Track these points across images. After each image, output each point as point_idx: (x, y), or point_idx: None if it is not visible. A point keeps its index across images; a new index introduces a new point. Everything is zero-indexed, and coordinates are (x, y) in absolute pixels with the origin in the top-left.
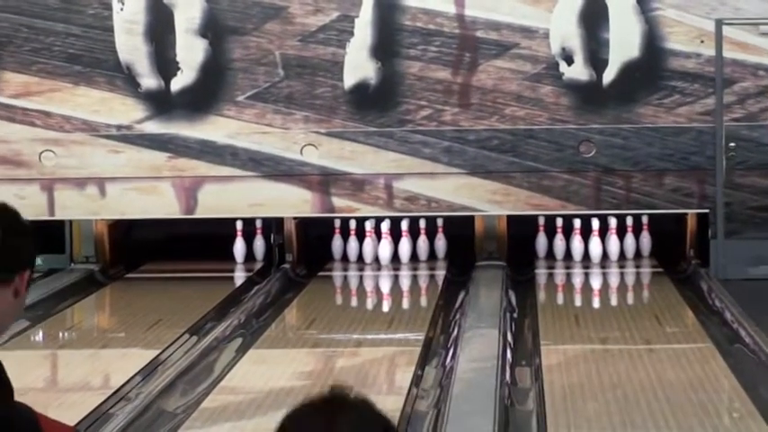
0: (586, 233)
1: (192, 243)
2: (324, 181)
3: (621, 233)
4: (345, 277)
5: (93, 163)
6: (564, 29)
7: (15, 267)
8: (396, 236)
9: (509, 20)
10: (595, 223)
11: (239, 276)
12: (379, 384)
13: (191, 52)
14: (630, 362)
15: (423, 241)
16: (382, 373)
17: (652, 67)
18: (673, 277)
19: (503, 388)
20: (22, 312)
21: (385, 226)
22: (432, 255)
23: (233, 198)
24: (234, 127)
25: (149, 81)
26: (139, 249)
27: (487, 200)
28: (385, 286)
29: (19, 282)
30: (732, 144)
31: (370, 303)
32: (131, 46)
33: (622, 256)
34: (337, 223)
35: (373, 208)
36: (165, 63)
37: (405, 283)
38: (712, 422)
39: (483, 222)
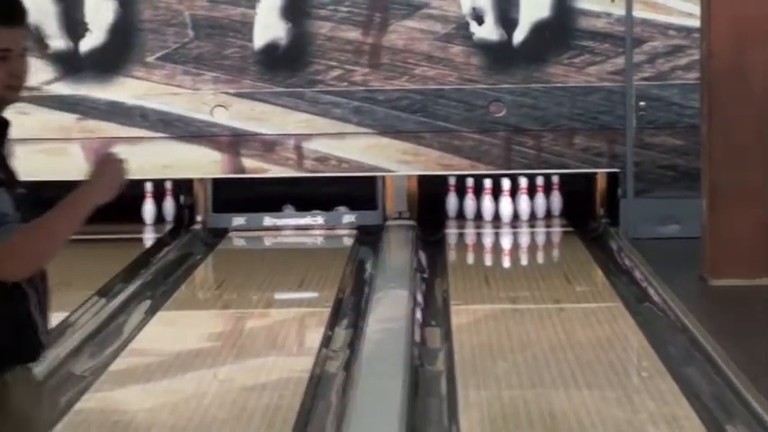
0: (497, 193)
1: (100, 205)
2: (234, 142)
3: (532, 193)
4: (256, 238)
5: None
6: None
7: None
8: (306, 198)
9: None
10: (506, 183)
11: (148, 238)
12: (288, 345)
13: (100, 13)
14: (540, 321)
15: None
16: (292, 334)
17: (562, 27)
18: (583, 237)
19: (412, 348)
20: None
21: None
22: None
23: (143, 159)
24: (143, 88)
25: (58, 42)
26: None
27: (397, 160)
28: (295, 247)
29: None
30: (642, 103)
31: (280, 264)
32: (39, 6)
33: (533, 215)
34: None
35: (283, 168)
36: (74, 24)
37: (315, 243)
38: (621, 381)
39: (393, 182)
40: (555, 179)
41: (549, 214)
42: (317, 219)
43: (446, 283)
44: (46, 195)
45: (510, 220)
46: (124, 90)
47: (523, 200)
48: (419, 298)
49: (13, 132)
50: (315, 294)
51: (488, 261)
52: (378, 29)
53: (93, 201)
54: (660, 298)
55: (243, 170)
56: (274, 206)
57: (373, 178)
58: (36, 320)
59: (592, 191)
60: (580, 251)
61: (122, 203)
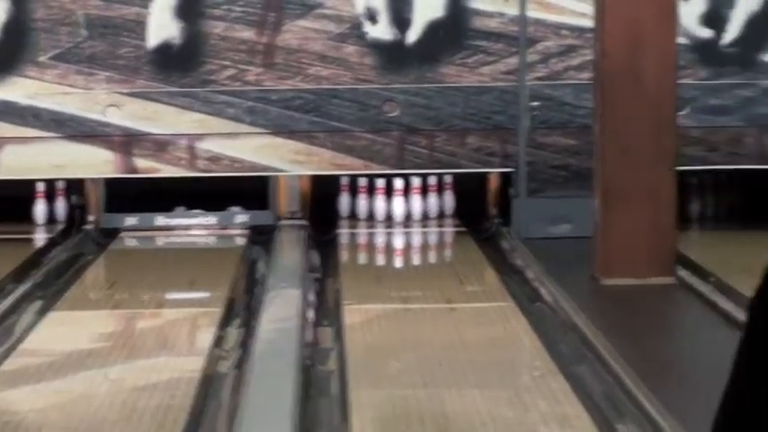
0: (389, 193)
1: None
2: (126, 141)
3: (424, 193)
4: (148, 238)
5: None
6: None
7: None
8: (200, 197)
9: None
10: (399, 183)
11: (39, 238)
12: (180, 345)
13: None
14: (432, 321)
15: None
16: (183, 333)
17: (456, 27)
18: (475, 236)
19: (304, 348)
20: None
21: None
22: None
23: (35, 159)
24: (36, 88)
25: None
26: None
27: (290, 160)
28: (187, 247)
29: None
30: (535, 103)
31: (172, 264)
32: None
33: (425, 215)
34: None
35: (176, 168)
36: None
37: (207, 243)
38: (512, 380)
39: (285, 182)
40: (448, 179)
41: (441, 214)
42: (210, 219)
43: (338, 282)
44: None
45: (402, 220)
46: (16, 90)
47: (416, 200)
48: (311, 298)
49: None
50: (206, 294)
51: (381, 261)
52: (271, 28)
53: None
54: (552, 297)
55: (135, 170)
56: (167, 206)
57: (266, 178)
58: None
59: (484, 191)
60: (472, 251)
61: (13, 204)
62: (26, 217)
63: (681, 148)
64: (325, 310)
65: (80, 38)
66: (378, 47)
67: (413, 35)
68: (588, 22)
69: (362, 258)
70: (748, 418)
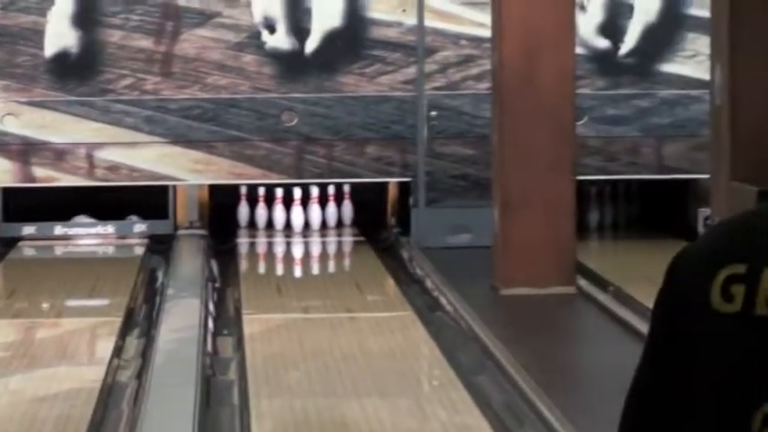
0: (288, 202)
1: None
2: (24, 150)
3: (323, 202)
4: (47, 247)
5: None
6: None
7: None
8: (100, 206)
9: None
10: (297, 192)
11: None
12: (80, 355)
13: None
14: (332, 330)
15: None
16: (83, 343)
17: (354, 36)
18: (374, 246)
19: (204, 358)
20: None
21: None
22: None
23: None
24: None
25: None
26: None
27: (189, 169)
28: (86, 256)
29: None
30: (433, 113)
31: (71, 273)
32: None
33: (324, 224)
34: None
35: (74, 177)
36: None
37: (106, 252)
38: (413, 390)
39: (184, 192)
40: (346, 188)
41: (340, 223)
42: (108, 228)
43: (238, 292)
44: None
45: (301, 230)
46: None
47: (315, 209)
48: (211, 307)
49: None
50: (106, 303)
51: (280, 270)
52: (169, 37)
53: None
54: (452, 307)
55: (34, 179)
56: (66, 215)
57: (165, 187)
58: None
59: (383, 200)
60: (372, 260)
61: None
62: None
63: (579, 158)
64: (225, 319)
65: None
66: (276, 56)
67: (311, 44)
68: (486, 32)
69: (262, 268)
70: (650, 421)
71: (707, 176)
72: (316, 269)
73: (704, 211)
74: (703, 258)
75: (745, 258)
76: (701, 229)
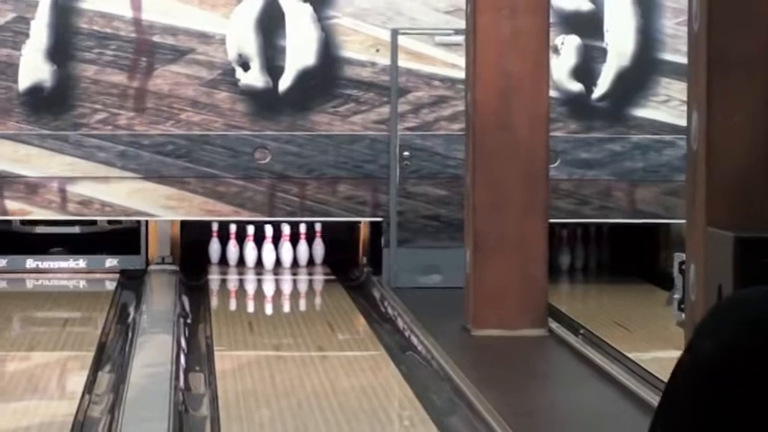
0: (260, 240)
1: None
2: None
3: (295, 240)
4: (19, 280)
5: None
6: (240, 35)
7: None
8: (72, 240)
9: (186, 25)
10: (269, 230)
11: None
12: (51, 389)
13: None
14: (303, 368)
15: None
16: (54, 377)
17: (328, 75)
18: (345, 285)
19: (176, 393)
20: None
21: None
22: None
23: None
24: None
25: None
26: None
27: (161, 205)
28: (57, 290)
29: None
30: (406, 153)
31: (42, 307)
32: None
33: (295, 263)
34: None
35: (47, 211)
36: None
37: (78, 286)
38: (384, 429)
39: (156, 227)
40: (318, 227)
41: (311, 262)
42: (80, 262)
43: (209, 328)
44: None
45: (273, 267)
46: None
47: (286, 247)
48: (183, 343)
49: None
50: (77, 338)
51: (251, 307)
52: (143, 73)
53: None
54: (424, 347)
55: (6, 212)
56: (38, 249)
57: (137, 223)
58: None
59: (355, 239)
60: (343, 299)
61: None
62: None
63: (552, 201)
64: (197, 355)
65: None
66: (250, 94)
67: (285, 83)
68: (460, 74)
69: (233, 304)
70: None
71: (679, 221)
72: (287, 307)
73: (679, 256)
74: None
75: None
76: (676, 273)
